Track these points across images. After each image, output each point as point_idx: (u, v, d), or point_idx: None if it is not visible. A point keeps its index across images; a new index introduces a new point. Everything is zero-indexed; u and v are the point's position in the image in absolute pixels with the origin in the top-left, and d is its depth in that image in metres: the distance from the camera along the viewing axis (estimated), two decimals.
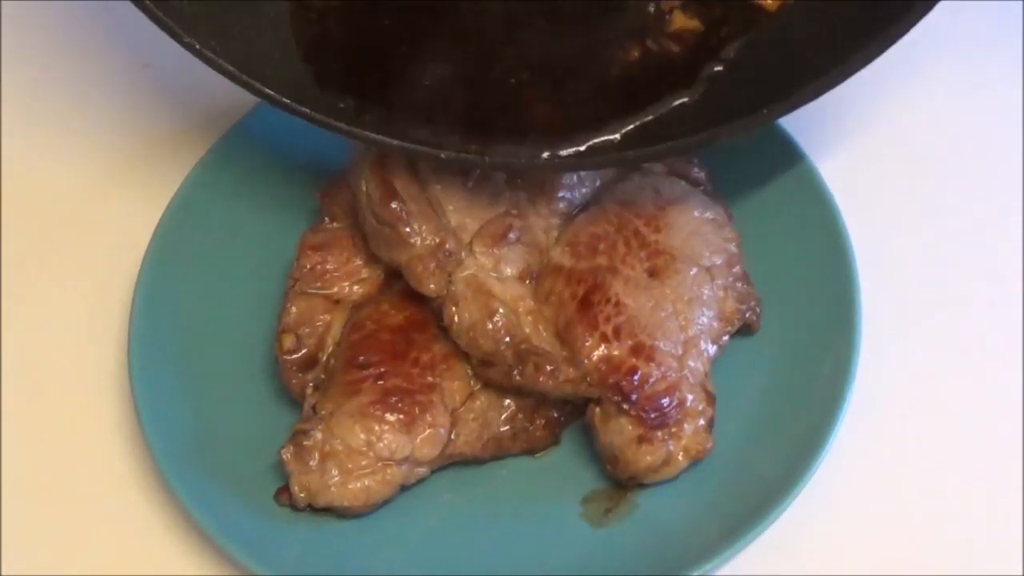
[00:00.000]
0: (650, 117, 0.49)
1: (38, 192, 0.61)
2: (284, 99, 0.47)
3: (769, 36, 0.50)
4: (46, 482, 0.51)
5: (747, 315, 0.50)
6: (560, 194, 0.52)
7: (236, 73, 0.46)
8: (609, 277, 0.49)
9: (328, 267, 0.52)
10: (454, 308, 0.48)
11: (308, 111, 0.47)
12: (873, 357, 0.50)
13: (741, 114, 0.47)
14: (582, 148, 0.48)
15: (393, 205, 0.49)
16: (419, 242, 0.49)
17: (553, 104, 0.49)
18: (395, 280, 0.51)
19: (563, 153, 0.48)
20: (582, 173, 0.52)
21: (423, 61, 0.50)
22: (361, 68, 0.50)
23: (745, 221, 0.53)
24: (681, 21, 0.51)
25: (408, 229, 0.49)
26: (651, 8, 0.51)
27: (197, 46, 0.46)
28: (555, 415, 0.49)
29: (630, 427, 0.46)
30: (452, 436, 0.48)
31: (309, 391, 0.49)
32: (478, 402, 0.48)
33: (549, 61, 0.50)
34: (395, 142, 0.48)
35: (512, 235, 0.50)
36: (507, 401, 0.49)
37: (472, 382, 0.49)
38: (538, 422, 0.49)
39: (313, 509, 0.46)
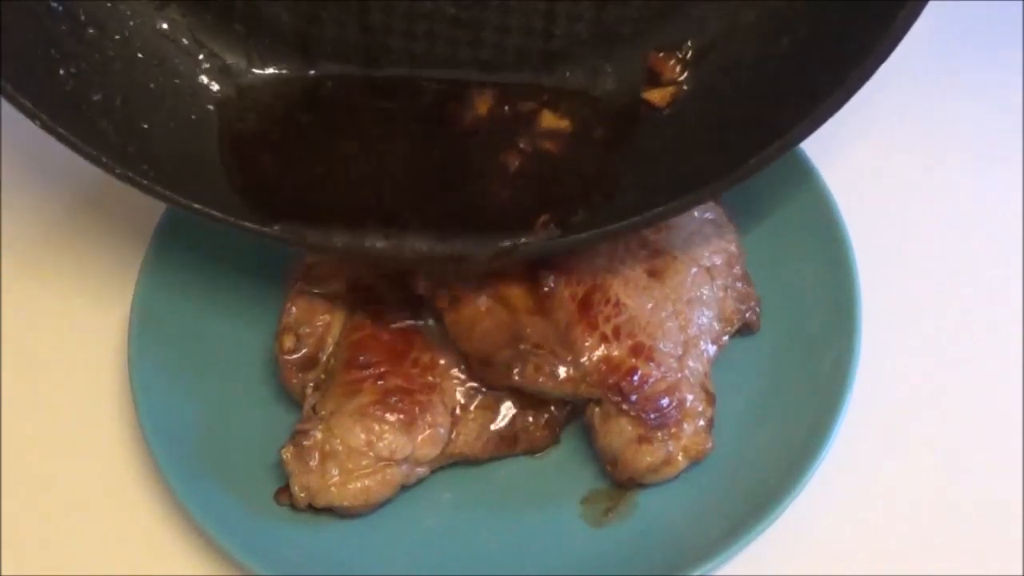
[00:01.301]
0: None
1: (38, 192, 0.61)
2: (215, 213, 0.47)
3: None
4: (46, 482, 0.51)
5: (747, 315, 0.50)
6: None
7: (167, 195, 0.46)
8: (609, 277, 0.49)
9: (328, 267, 0.52)
10: (453, 309, 0.48)
11: (243, 224, 0.47)
12: (873, 357, 0.50)
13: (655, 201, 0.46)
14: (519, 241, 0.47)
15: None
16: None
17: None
18: (395, 280, 0.51)
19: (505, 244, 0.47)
20: None
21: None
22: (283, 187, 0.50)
23: (745, 221, 0.53)
24: (550, 121, 0.51)
25: None
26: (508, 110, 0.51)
27: (128, 173, 0.46)
28: (555, 415, 0.49)
29: (630, 427, 0.46)
30: (452, 436, 0.48)
31: (309, 391, 0.49)
32: (478, 402, 0.49)
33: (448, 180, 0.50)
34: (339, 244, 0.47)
35: None
36: (507, 401, 0.49)
37: (472, 382, 0.49)
38: (538, 422, 0.49)
39: (313, 509, 0.46)
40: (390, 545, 0.47)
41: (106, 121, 0.47)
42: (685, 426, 0.47)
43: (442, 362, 0.49)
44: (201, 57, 0.50)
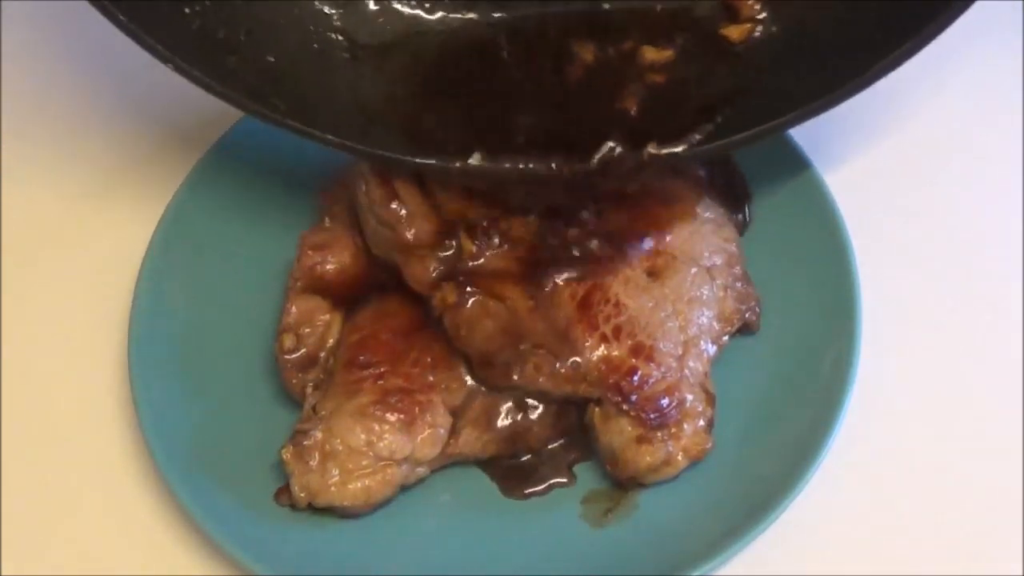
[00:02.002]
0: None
1: (38, 193, 0.61)
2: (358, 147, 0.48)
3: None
4: (46, 482, 0.51)
5: (747, 315, 0.50)
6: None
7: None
8: (609, 277, 0.49)
9: (328, 267, 0.52)
10: (453, 309, 0.48)
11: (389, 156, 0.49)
12: (873, 357, 0.50)
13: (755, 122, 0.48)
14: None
15: (393, 205, 0.50)
16: (418, 243, 0.49)
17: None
18: (395, 280, 0.51)
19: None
20: None
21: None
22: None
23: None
24: (652, 55, 0.52)
25: (408, 230, 0.49)
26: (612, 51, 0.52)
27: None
28: (555, 414, 0.49)
29: (630, 427, 0.46)
30: (452, 436, 0.48)
31: (309, 391, 0.49)
32: (478, 402, 0.49)
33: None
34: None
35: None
36: (507, 401, 0.49)
37: (472, 382, 0.49)
38: (538, 422, 0.49)
39: (313, 509, 0.46)
40: (390, 545, 0.47)
41: (234, 58, 0.48)
42: (685, 426, 0.47)
43: (442, 362, 0.49)
44: None
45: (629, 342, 0.47)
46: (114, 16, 0.43)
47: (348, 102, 0.51)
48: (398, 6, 0.53)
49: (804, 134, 0.54)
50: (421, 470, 0.48)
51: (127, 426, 0.52)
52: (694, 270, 0.50)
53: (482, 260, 0.49)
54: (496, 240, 0.49)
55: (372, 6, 0.52)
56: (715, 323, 0.49)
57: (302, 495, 0.46)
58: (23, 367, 0.55)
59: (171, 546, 0.49)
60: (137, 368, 0.49)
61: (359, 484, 0.46)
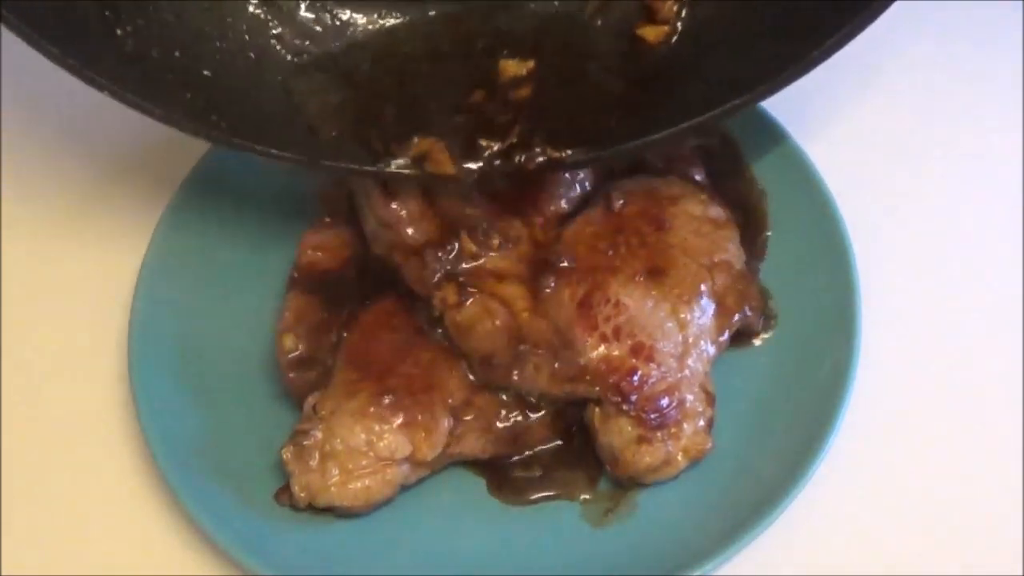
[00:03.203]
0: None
1: (38, 193, 0.61)
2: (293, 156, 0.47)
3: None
4: (46, 482, 0.51)
5: (747, 315, 0.50)
6: (560, 191, 0.52)
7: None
8: (609, 277, 0.49)
9: (328, 267, 0.52)
10: (453, 309, 0.48)
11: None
12: (873, 357, 0.50)
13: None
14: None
15: (393, 205, 0.50)
16: (418, 243, 0.49)
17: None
18: (395, 280, 0.51)
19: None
20: (579, 174, 0.52)
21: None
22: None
23: None
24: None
25: (408, 230, 0.49)
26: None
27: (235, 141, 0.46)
28: (555, 414, 0.49)
29: (630, 427, 0.46)
30: (452, 436, 0.48)
31: (309, 392, 0.49)
32: (478, 402, 0.48)
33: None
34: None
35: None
36: (507, 401, 0.49)
37: (472, 382, 0.49)
38: (538, 422, 0.49)
39: (313, 509, 0.46)
40: (390, 545, 0.47)
41: (170, 76, 0.46)
42: (685, 426, 0.47)
43: (442, 362, 0.49)
44: None
45: (629, 342, 0.47)
46: (43, 47, 0.42)
47: (291, 113, 0.50)
48: (328, 13, 0.52)
49: (805, 136, 0.54)
50: (421, 470, 0.48)
51: (127, 426, 0.52)
52: (694, 270, 0.50)
53: (482, 260, 0.49)
54: (496, 240, 0.49)
55: (305, 13, 0.51)
56: (715, 323, 0.49)
57: (302, 495, 0.46)
58: (24, 368, 0.55)
59: (171, 546, 0.49)
60: (137, 368, 0.49)
61: (359, 484, 0.46)
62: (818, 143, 0.55)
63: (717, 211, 0.52)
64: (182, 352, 0.51)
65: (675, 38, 0.50)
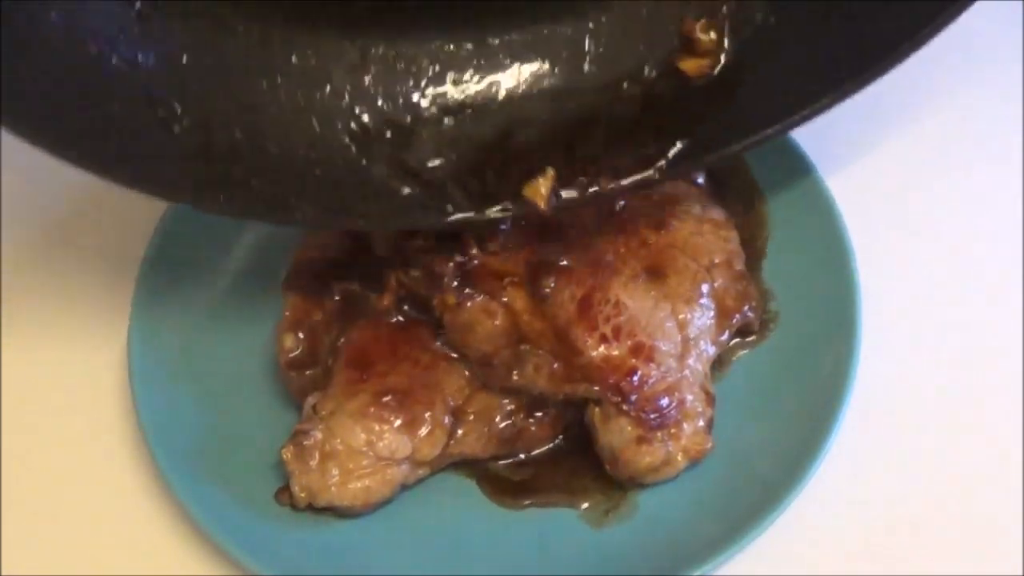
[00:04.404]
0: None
1: (38, 193, 0.61)
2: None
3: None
4: (46, 482, 0.51)
5: (747, 315, 0.50)
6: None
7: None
8: (609, 277, 0.49)
9: (329, 267, 0.52)
10: (453, 309, 0.48)
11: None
12: (873, 357, 0.50)
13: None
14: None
15: None
16: (418, 242, 0.49)
17: None
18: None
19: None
20: None
21: None
22: None
23: None
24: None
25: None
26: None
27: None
28: (555, 414, 0.49)
29: (629, 427, 0.46)
30: (452, 436, 0.48)
31: (309, 392, 0.49)
32: (478, 402, 0.49)
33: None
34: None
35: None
36: (507, 401, 0.49)
37: (472, 382, 0.49)
38: (538, 422, 0.49)
39: (313, 509, 0.47)
40: (390, 545, 0.47)
41: (239, 167, 0.45)
42: (685, 426, 0.47)
43: (442, 362, 0.49)
44: None
45: (629, 342, 0.47)
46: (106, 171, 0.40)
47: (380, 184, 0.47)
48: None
49: (806, 137, 0.54)
50: (421, 470, 0.48)
51: (127, 426, 0.52)
52: (694, 270, 0.50)
53: (483, 261, 0.49)
54: (496, 241, 0.49)
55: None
56: (715, 323, 0.49)
57: (302, 495, 0.46)
58: (23, 368, 0.55)
59: (171, 546, 0.49)
60: (137, 368, 0.49)
61: (359, 484, 0.46)
62: (818, 143, 0.55)
63: (717, 212, 0.52)
64: (182, 352, 0.51)
65: (717, 69, 0.48)
